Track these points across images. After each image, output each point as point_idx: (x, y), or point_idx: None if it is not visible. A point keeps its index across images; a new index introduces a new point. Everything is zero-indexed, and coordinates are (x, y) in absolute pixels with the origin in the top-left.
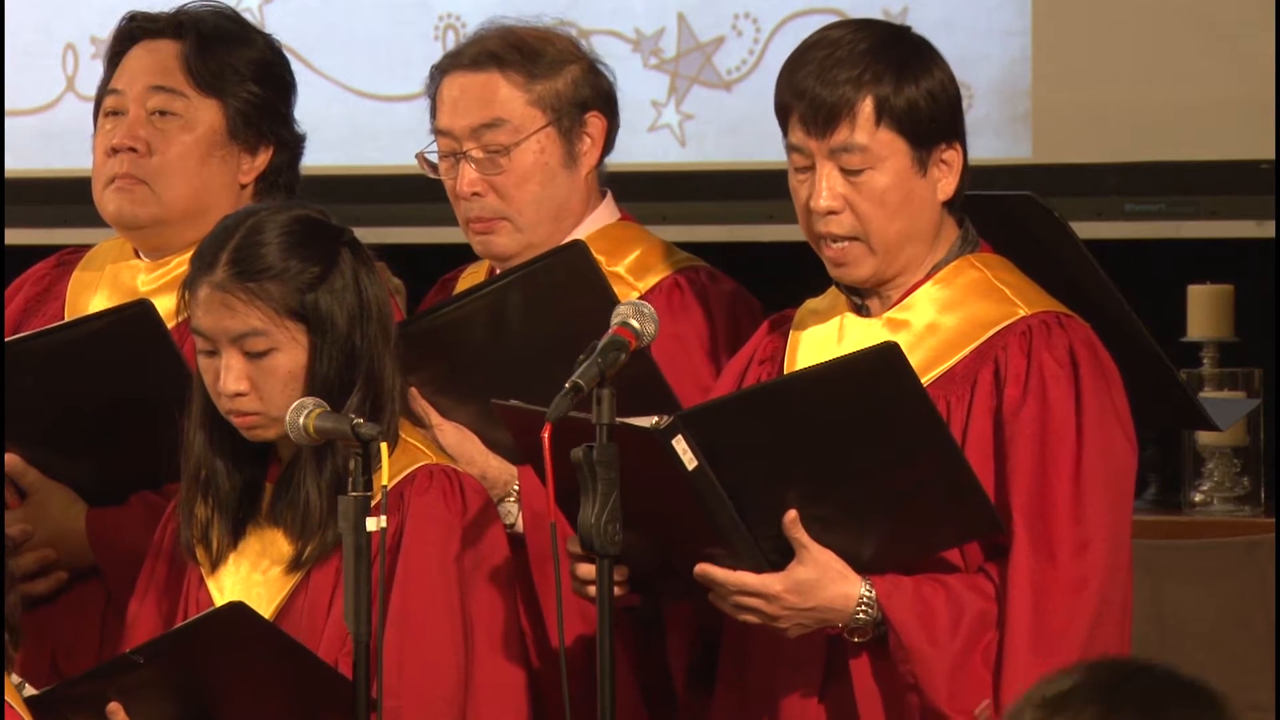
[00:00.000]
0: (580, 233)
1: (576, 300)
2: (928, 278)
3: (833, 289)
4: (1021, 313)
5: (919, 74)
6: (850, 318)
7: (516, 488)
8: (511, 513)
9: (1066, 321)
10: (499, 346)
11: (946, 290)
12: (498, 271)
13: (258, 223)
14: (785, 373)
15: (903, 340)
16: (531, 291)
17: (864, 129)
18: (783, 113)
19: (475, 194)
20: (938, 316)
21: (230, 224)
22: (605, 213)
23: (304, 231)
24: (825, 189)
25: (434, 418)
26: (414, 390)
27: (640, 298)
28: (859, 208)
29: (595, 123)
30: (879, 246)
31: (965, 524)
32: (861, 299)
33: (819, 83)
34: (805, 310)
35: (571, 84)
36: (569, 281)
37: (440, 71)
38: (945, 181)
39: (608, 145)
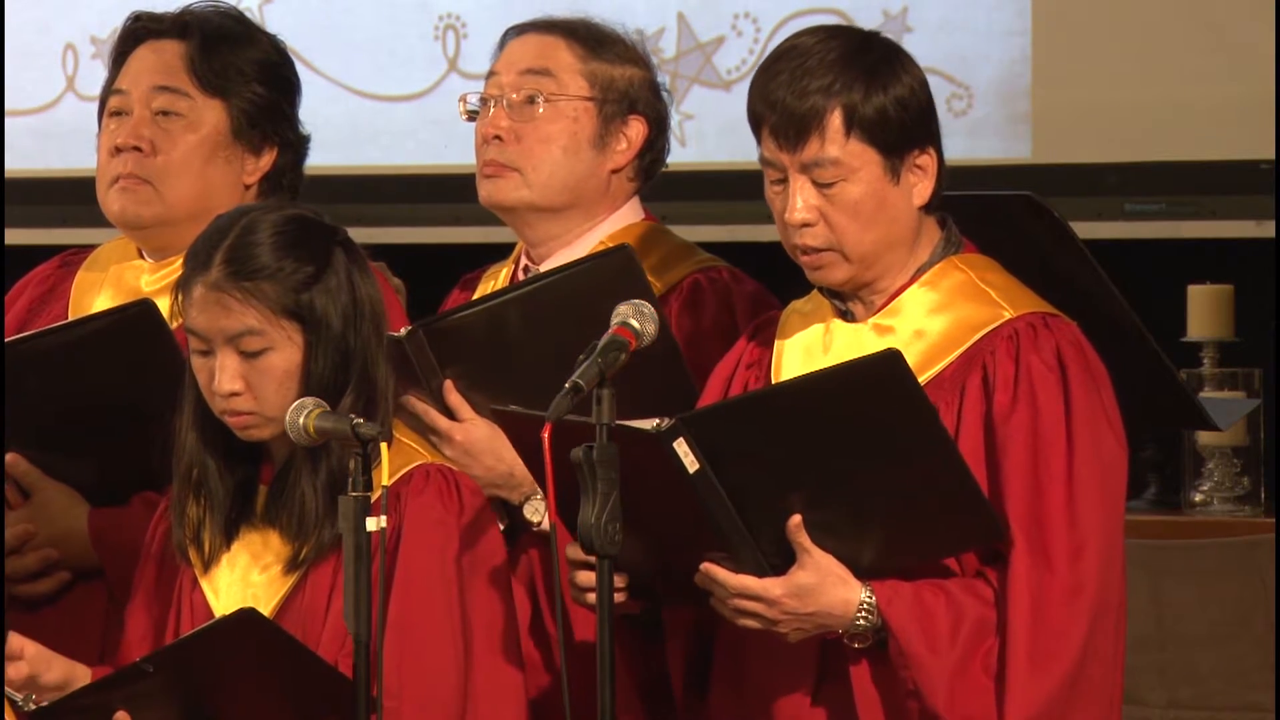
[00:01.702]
0: (604, 230)
1: (618, 304)
2: (912, 280)
3: (815, 291)
4: (1007, 315)
5: (888, 81)
6: (837, 323)
7: None
8: (539, 510)
9: (1052, 322)
10: (535, 345)
11: (932, 293)
12: (523, 265)
13: (251, 222)
14: (772, 378)
15: (889, 345)
16: (573, 292)
17: (834, 141)
18: (755, 123)
19: (498, 138)
20: (924, 321)
21: (223, 224)
22: (629, 212)
23: (297, 231)
24: (799, 202)
25: (466, 412)
26: (449, 383)
27: (661, 297)
28: (833, 219)
29: (637, 127)
30: (854, 256)
31: (968, 532)
32: (845, 303)
33: (788, 94)
34: (789, 312)
35: (627, 80)
36: (613, 285)
37: (512, 31)
38: (920, 187)
39: (644, 160)
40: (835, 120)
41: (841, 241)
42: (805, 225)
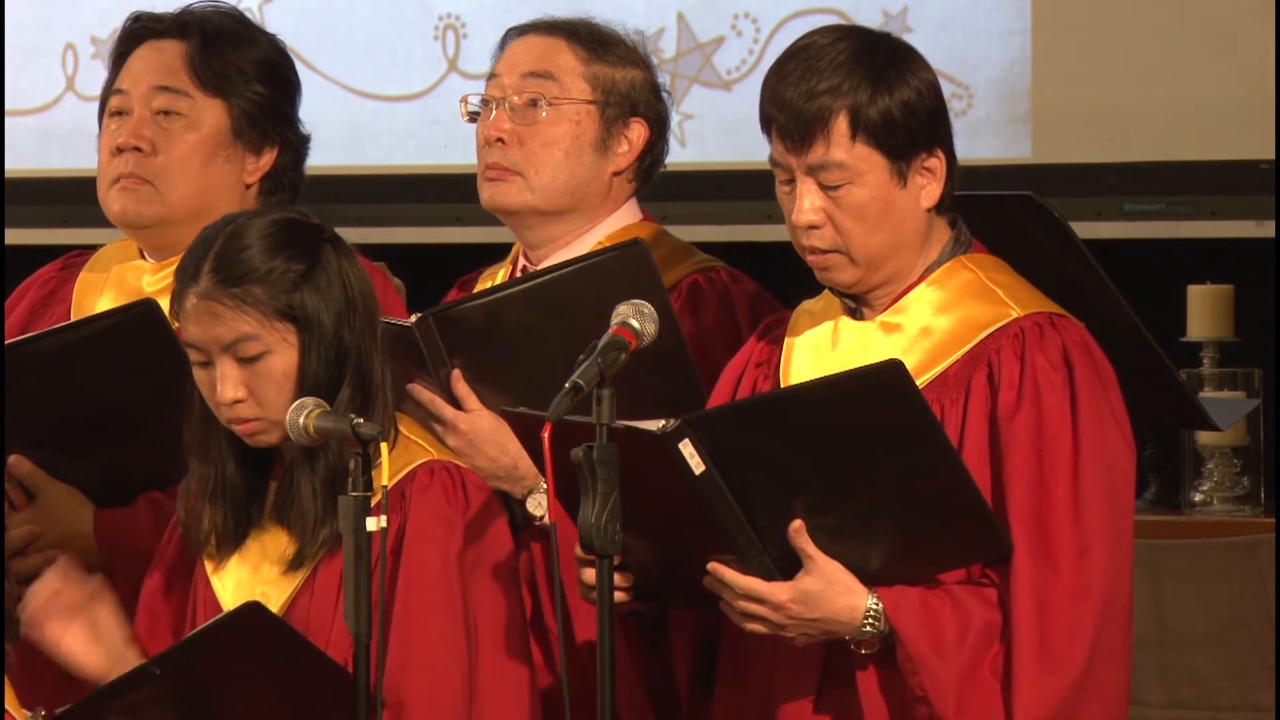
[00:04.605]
0: (602, 231)
1: (619, 304)
2: (921, 279)
3: (827, 291)
4: (1014, 314)
5: (894, 84)
6: (845, 321)
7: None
8: (541, 505)
9: (1059, 322)
10: (544, 337)
11: (940, 292)
12: (521, 265)
13: (236, 229)
14: (781, 376)
15: (896, 343)
16: (585, 285)
17: (839, 145)
18: (765, 123)
19: (500, 140)
20: (931, 319)
21: (209, 234)
22: (628, 212)
23: (283, 232)
24: (806, 204)
25: (472, 402)
26: (457, 372)
27: None
28: (839, 221)
29: (638, 129)
30: (861, 259)
31: (973, 547)
32: (855, 302)
33: (796, 95)
34: (800, 312)
35: (629, 83)
36: (625, 281)
37: (513, 32)
38: (929, 189)
39: (644, 162)
40: (841, 124)
41: (848, 244)
42: (812, 227)
